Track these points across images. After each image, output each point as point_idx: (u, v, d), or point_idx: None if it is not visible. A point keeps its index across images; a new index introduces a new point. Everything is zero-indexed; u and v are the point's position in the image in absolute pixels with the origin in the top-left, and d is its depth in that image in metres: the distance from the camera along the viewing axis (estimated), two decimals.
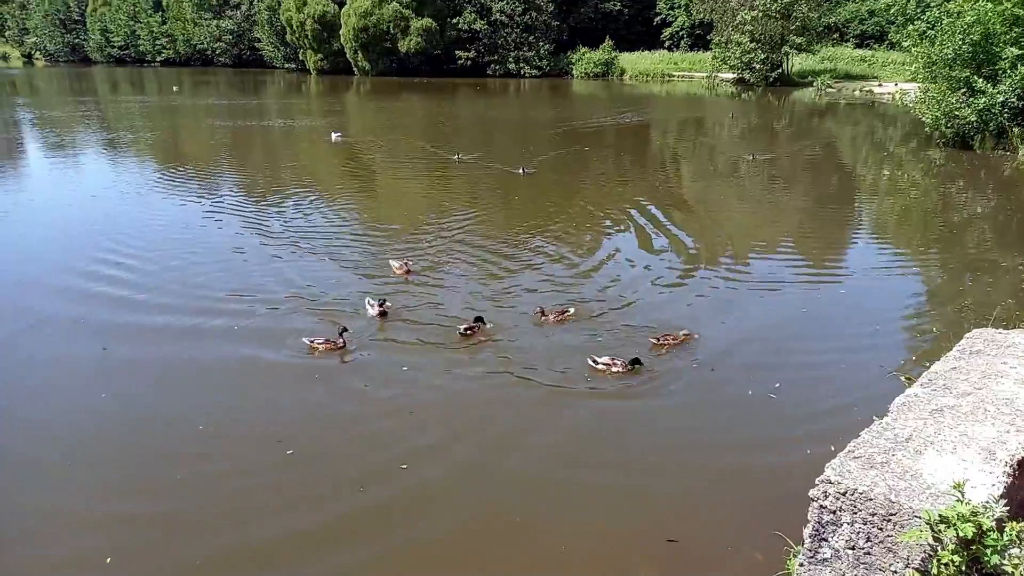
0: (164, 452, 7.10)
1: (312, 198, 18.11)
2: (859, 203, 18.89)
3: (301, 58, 74.70)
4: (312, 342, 9.23)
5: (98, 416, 7.84)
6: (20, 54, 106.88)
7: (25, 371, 8.92)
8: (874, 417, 7.10)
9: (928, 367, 8.46)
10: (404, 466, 6.81)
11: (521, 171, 20.43)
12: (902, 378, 7.63)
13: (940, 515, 3.35)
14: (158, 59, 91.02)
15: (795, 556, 4.77)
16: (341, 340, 9.27)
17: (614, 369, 8.58)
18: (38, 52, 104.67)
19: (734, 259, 13.24)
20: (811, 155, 25.31)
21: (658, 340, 9.38)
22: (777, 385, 8.25)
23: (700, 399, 8.20)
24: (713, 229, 15.33)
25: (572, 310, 10.29)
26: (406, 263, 12.26)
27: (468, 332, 9.66)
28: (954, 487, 3.41)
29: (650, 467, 6.94)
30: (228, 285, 11.68)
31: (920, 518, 3.45)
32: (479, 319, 9.81)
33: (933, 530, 3.35)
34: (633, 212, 16.57)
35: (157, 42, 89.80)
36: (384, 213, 17.03)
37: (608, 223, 15.85)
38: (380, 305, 10.36)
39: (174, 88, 57.61)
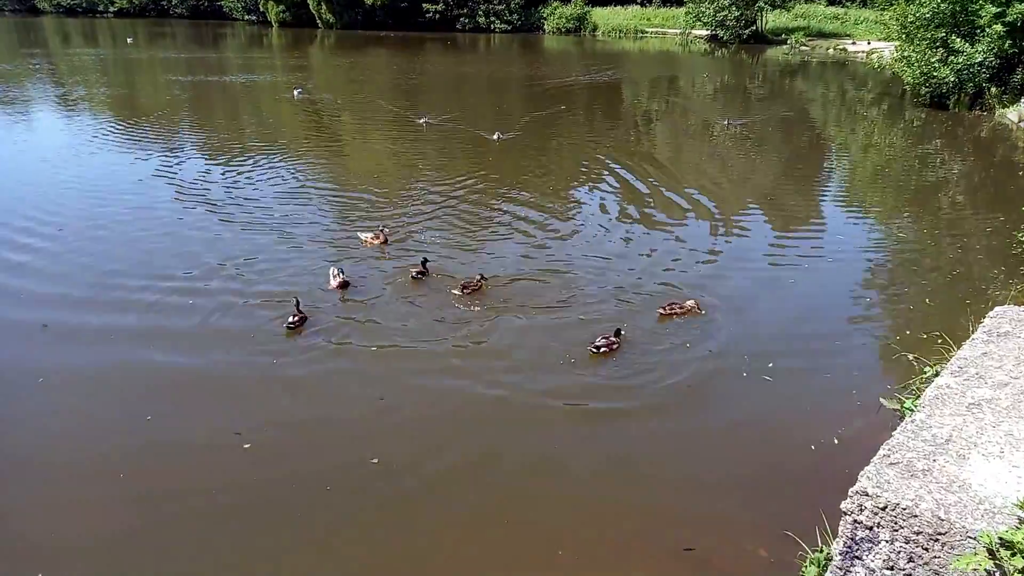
0: (107, 461, 6.40)
1: (271, 162, 17.14)
2: (837, 169, 18.51)
3: (262, 9, 71.59)
4: (292, 322, 8.55)
5: (32, 405, 7.17)
6: None
7: None
8: (881, 400, 6.77)
9: (925, 338, 8.20)
10: (375, 460, 6.25)
11: (496, 137, 19.33)
12: (910, 357, 7.26)
13: (1002, 538, 2.92)
14: (111, 9, 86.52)
15: (812, 564, 4.36)
16: (298, 316, 8.63)
17: (614, 348, 8.11)
18: None
19: (717, 230, 12.78)
20: (786, 118, 24.61)
21: (665, 309, 8.94)
22: (771, 365, 7.82)
23: (694, 383, 7.62)
24: (695, 199, 14.76)
25: (478, 276, 9.84)
26: (383, 231, 11.57)
27: (419, 276, 9.84)
28: (1019, 506, 2.98)
29: (649, 465, 6.45)
30: (184, 256, 10.92)
31: (976, 539, 3.02)
32: (424, 261, 10.10)
33: (994, 556, 2.92)
34: (615, 183, 15.75)
35: None
36: (347, 180, 16.11)
37: (587, 194, 15.25)
38: (340, 274, 9.74)
39: (128, 40, 54.89)
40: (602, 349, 8.06)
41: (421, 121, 21.30)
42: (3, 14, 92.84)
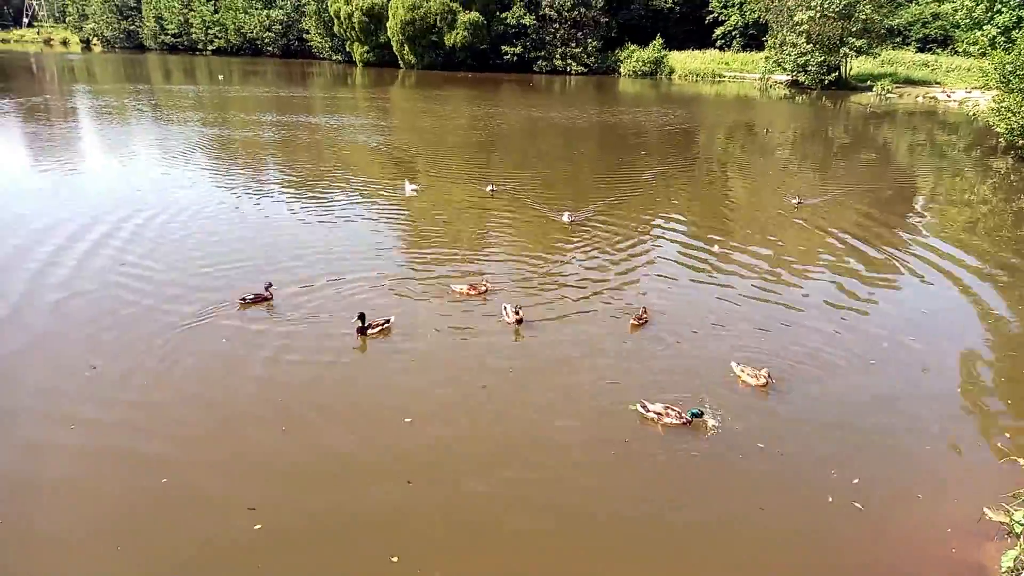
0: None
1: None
2: (923, 226, 17.53)
3: (348, 50, 74.89)
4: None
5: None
6: (79, 40, 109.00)
7: None
8: (985, 509, 6.14)
9: None
10: (394, 559, 5.96)
11: (565, 217, 16.63)
12: (1022, 462, 6.62)
13: None
14: (210, 48, 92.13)
15: None
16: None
17: (667, 420, 7.73)
18: (95, 38, 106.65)
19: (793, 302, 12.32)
20: (872, 196, 20.35)
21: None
22: (856, 481, 7.23)
23: (768, 506, 6.77)
24: (766, 265, 14.30)
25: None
26: (485, 282, 11.88)
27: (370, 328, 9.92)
28: None
29: None
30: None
31: None
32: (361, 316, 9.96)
33: None
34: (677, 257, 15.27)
35: (209, 31, 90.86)
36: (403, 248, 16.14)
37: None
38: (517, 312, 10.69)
39: (219, 77, 58.09)
40: (649, 414, 7.79)
41: (488, 189, 19.53)
42: (114, 50, 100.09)
